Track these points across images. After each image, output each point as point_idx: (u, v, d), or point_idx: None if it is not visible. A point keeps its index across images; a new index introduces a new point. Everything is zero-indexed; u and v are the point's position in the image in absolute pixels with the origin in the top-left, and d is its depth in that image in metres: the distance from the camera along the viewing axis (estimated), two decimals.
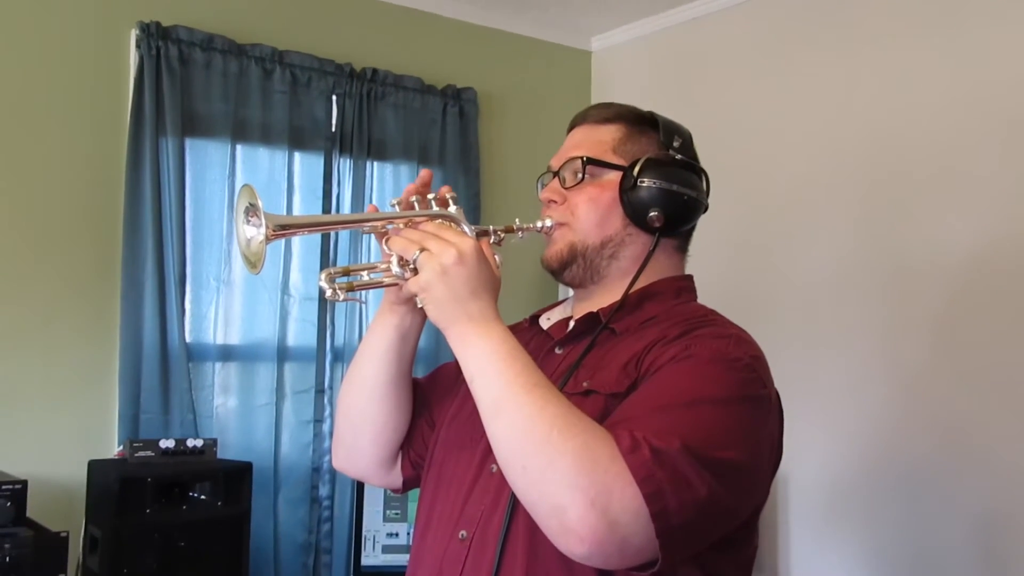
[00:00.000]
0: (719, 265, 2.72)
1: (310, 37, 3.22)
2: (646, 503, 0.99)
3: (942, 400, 2.70)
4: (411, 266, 1.13)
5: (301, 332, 3.16)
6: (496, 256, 1.19)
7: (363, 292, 1.23)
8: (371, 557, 2.91)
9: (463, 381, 1.14)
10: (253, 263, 1.12)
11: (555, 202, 1.31)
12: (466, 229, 1.18)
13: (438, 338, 2.76)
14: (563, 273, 1.32)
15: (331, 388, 3.18)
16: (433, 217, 1.18)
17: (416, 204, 1.20)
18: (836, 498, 2.96)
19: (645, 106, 1.37)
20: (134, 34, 2.91)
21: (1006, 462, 2.55)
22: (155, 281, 2.85)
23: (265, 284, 3.07)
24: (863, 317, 2.91)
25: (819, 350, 3.00)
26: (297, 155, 3.18)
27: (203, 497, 2.67)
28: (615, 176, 1.29)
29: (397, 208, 1.20)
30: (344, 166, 3.26)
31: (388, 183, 3.38)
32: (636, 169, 1.27)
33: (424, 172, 1.23)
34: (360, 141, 3.26)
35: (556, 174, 1.33)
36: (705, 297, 1.35)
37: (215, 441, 2.77)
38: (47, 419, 2.78)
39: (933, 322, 2.75)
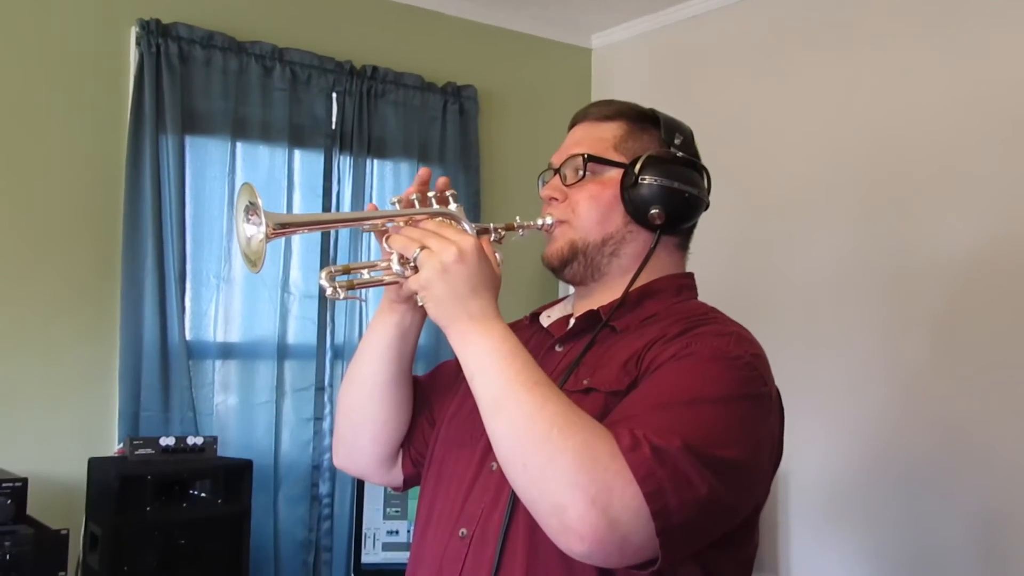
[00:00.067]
0: (719, 264, 2.72)
1: (310, 34, 3.22)
2: (646, 501, 0.99)
3: (942, 399, 2.70)
4: (411, 264, 1.13)
5: (301, 330, 3.16)
6: (497, 254, 1.19)
7: (363, 290, 1.23)
8: (371, 555, 2.91)
9: (463, 379, 1.14)
10: (253, 262, 1.12)
11: (556, 199, 1.31)
12: (466, 227, 1.18)
13: (438, 336, 2.76)
14: (564, 271, 1.31)
15: (331, 386, 3.18)
16: (433, 215, 1.18)
17: (416, 202, 1.20)
18: (836, 497, 2.96)
19: (645, 104, 1.37)
20: (134, 31, 2.91)
21: (1006, 462, 2.55)
22: (155, 279, 2.85)
23: (265, 282, 3.07)
24: (863, 317, 2.91)
25: (819, 349, 3.00)
26: (297, 153, 3.18)
27: (203, 495, 2.67)
28: (616, 173, 1.29)
29: (397, 206, 1.20)
30: (344, 164, 3.26)
31: (388, 181, 3.38)
32: (637, 166, 1.27)
33: (423, 171, 1.23)
34: (360, 139, 3.26)
35: (557, 171, 1.33)
36: (705, 295, 1.35)
37: (215, 439, 2.77)
38: (47, 417, 2.78)
39: (933, 322, 2.75)
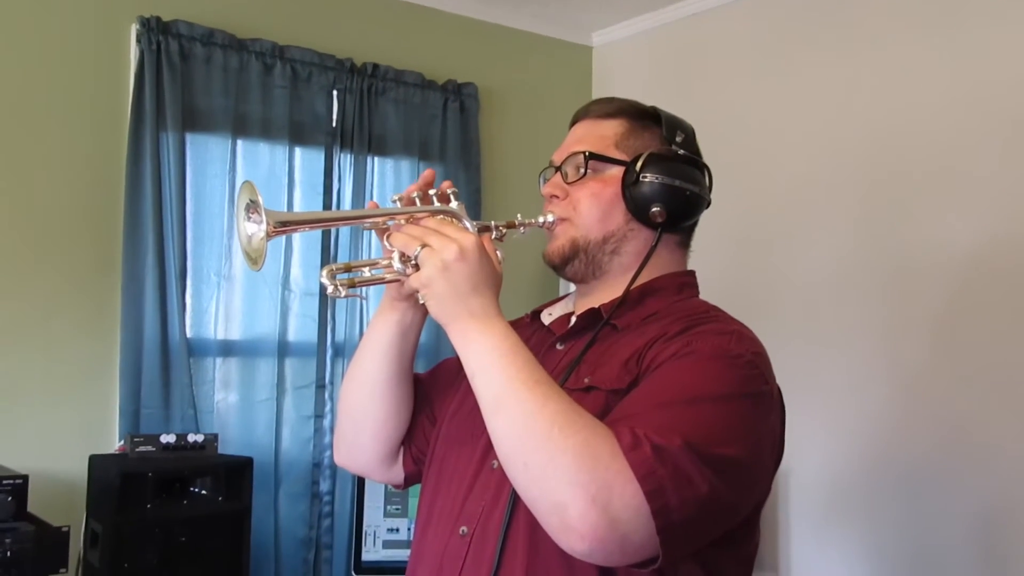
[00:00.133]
0: (720, 262, 2.71)
1: (311, 32, 3.22)
2: (647, 500, 0.99)
3: (942, 399, 2.71)
4: (412, 262, 1.13)
5: (302, 327, 3.16)
6: (498, 252, 1.19)
7: (364, 288, 1.23)
8: (372, 552, 2.92)
9: (464, 377, 1.14)
10: (254, 259, 1.12)
11: (557, 197, 1.31)
12: (467, 225, 1.18)
13: (439, 334, 2.76)
14: (565, 268, 1.31)
15: (332, 383, 3.18)
16: (434, 213, 1.18)
17: (417, 200, 1.20)
18: (837, 496, 2.96)
19: (646, 102, 1.37)
20: (134, 29, 2.91)
21: (1006, 461, 2.56)
22: (156, 276, 2.85)
23: (266, 279, 3.07)
24: (863, 316, 2.91)
25: (820, 348, 3.00)
26: (298, 150, 3.18)
27: (204, 492, 2.66)
28: (617, 171, 1.28)
29: (398, 204, 1.20)
30: (345, 161, 3.26)
31: (389, 178, 3.38)
32: (638, 164, 1.27)
33: (427, 172, 1.23)
34: (361, 136, 3.26)
35: (558, 169, 1.33)
36: (706, 293, 1.35)
37: (216, 436, 2.77)
38: (48, 414, 2.78)
39: (933, 322, 2.75)
